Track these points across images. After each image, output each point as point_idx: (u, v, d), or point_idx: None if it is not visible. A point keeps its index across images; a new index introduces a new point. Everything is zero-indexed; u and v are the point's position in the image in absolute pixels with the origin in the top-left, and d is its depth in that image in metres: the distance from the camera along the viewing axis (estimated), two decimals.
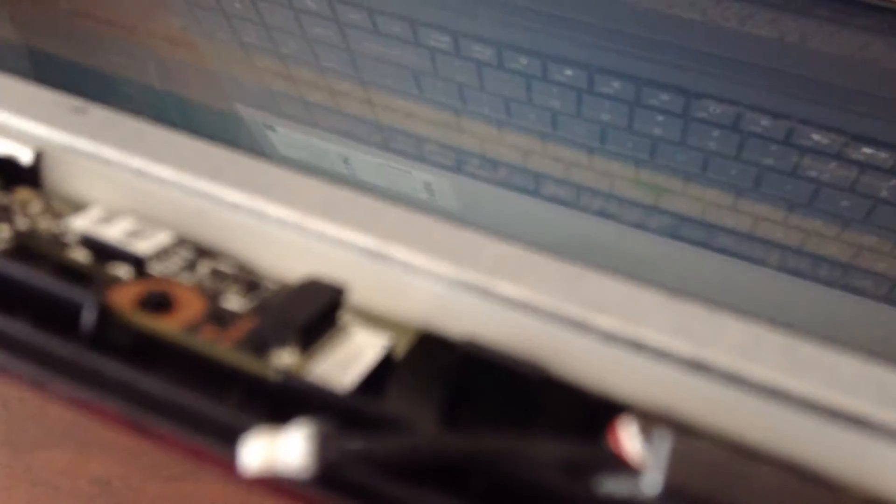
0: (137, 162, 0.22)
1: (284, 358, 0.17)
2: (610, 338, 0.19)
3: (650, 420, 0.14)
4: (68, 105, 0.24)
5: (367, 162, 0.25)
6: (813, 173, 0.27)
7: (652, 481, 0.13)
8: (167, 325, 0.17)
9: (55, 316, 0.18)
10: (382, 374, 0.19)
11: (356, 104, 0.29)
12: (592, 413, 0.19)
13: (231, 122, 0.26)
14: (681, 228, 0.25)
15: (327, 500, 0.15)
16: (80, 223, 0.20)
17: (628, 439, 0.14)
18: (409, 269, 0.20)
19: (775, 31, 0.33)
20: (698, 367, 0.18)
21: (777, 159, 0.29)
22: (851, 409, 0.18)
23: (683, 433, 0.14)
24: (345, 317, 0.19)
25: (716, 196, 0.27)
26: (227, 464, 0.15)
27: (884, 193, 0.27)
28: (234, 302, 0.19)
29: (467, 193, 0.24)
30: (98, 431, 0.17)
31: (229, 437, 0.16)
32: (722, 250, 0.24)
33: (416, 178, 0.25)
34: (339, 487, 0.15)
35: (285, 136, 0.26)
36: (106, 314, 0.18)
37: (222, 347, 0.17)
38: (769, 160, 0.28)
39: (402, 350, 0.20)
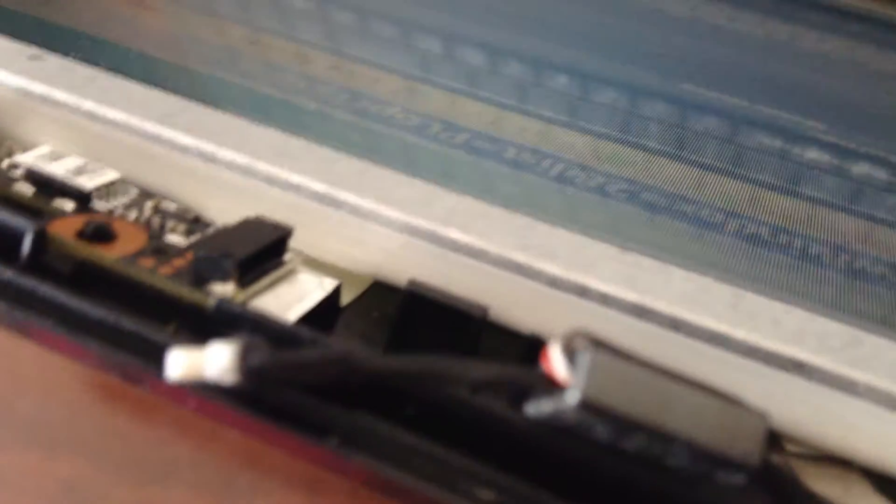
0: (89, 104, 0.21)
1: (223, 288, 0.17)
2: (555, 283, 0.19)
3: (577, 340, 0.14)
4: (25, 53, 0.24)
5: (331, 124, 0.25)
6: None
7: (572, 394, 0.13)
8: (106, 255, 0.17)
9: None
10: (327, 316, 0.19)
11: (338, 74, 0.29)
12: (533, 353, 0.19)
13: (197, 83, 0.26)
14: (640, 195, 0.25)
15: (257, 422, 0.15)
16: (27, 159, 0.20)
17: (556, 359, 0.14)
18: (361, 215, 0.20)
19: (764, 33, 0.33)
20: (641, 312, 0.18)
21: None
22: (791, 355, 0.18)
23: (610, 351, 0.14)
24: (292, 257, 0.19)
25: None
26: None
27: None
28: (176, 238, 0.18)
29: (428, 154, 0.24)
30: (66, 431, 0.16)
31: (161, 356, 0.15)
32: (681, 216, 0.24)
33: (381, 141, 0.25)
34: (268, 408, 0.15)
35: (249, 97, 0.26)
36: (45, 241, 0.17)
37: (160, 277, 0.17)
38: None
39: (351, 297, 0.20)
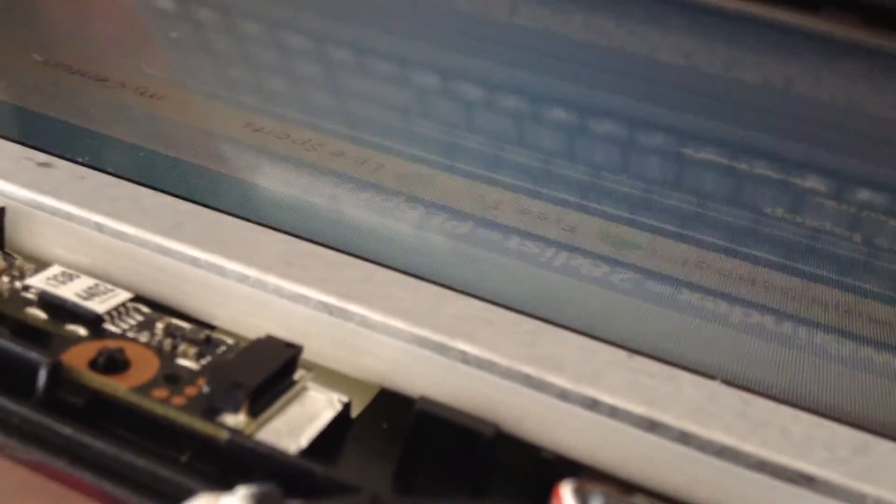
0: (98, 217, 0.22)
1: (235, 419, 0.17)
2: (564, 396, 0.19)
3: (590, 482, 0.14)
4: (34, 159, 0.24)
5: (350, 217, 0.25)
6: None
7: None
8: (120, 386, 0.17)
9: (10, 376, 0.18)
10: (338, 434, 0.19)
11: (345, 161, 0.29)
12: (546, 470, 0.19)
13: (209, 178, 0.26)
14: (645, 284, 0.25)
15: None
16: (39, 282, 0.20)
17: (567, 502, 0.14)
18: (368, 326, 0.20)
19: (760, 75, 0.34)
20: (651, 426, 0.19)
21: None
22: (800, 469, 0.18)
23: (623, 494, 0.14)
24: (302, 375, 0.19)
25: (685, 251, 0.27)
26: None
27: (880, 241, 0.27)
28: (188, 360, 0.19)
29: (434, 248, 0.25)
30: (48, 491, 0.17)
31: (175, 499, 0.16)
32: (686, 306, 0.24)
33: (389, 231, 0.25)
34: None
35: (267, 193, 0.26)
36: (60, 375, 0.18)
37: (173, 408, 0.17)
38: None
39: (360, 409, 0.20)
